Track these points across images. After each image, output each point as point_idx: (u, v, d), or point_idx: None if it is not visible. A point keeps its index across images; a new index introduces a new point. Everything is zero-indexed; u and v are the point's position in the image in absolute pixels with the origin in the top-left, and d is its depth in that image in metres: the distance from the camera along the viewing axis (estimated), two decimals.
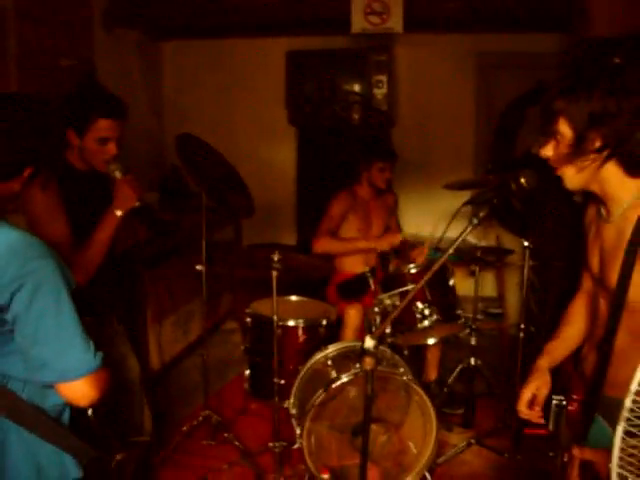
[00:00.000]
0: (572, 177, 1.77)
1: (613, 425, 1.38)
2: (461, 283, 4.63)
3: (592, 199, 1.90)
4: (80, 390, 1.68)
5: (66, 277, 1.66)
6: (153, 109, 6.12)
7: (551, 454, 3.33)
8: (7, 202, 1.75)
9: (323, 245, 4.12)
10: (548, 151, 1.79)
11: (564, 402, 1.96)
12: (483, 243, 5.24)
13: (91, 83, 3.45)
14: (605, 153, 1.68)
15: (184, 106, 6.32)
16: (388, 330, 3.49)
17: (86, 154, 2.67)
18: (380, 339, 2.34)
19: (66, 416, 1.80)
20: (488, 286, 5.77)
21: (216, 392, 4.35)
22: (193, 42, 6.29)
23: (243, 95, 6.29)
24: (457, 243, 1.99)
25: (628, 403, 1.31)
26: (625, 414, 1.32)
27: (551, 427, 1.99)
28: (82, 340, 1.66)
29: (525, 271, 3.69)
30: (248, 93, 6.28)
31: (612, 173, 1.72)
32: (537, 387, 2.07)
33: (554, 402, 1.98)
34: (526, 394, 2.07)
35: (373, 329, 3.60)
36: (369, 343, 2.14)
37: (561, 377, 2.15)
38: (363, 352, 2.17)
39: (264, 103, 6.23)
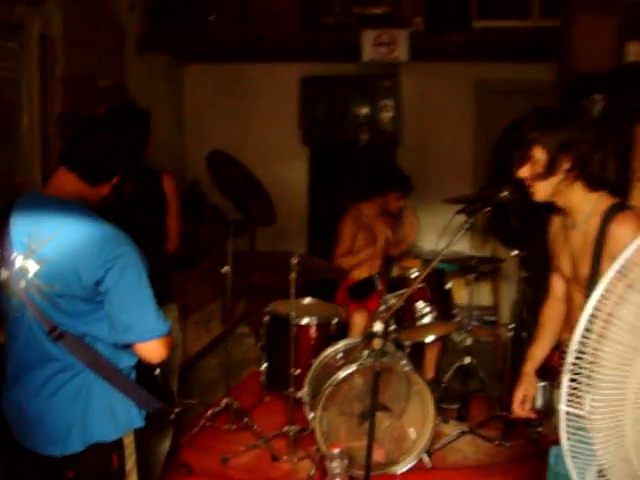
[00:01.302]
0: (542, 193, 2.21)
1: None
2: (458, 292, 5.00)
3: (556, 211, 2.33)
4: (155, 349, 2.09)
5: (144, 261, 2.10)
6: (176, 127, 6.50)
7: (539, 429, 3.78)
8: (96, 202, 2.19)
9: (344, 263, 4.57)
10: (524, 172, 2.22)
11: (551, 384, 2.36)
12: (479, 254, 5.63)
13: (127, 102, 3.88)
14: (573, 173, 2.14)
15: (204, 125, 6.58)
16: (392, 327, 3.90)
17: None
18: (385, 335, 2.77)
19: (133, 375, 2.20)
20: (484, 296, 6.07)
21: (234, 387, 4.61)
22: (214, 66, 6.58)
23: (259, 116, 6.53)
24: (449, 246, 2.43)
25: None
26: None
27: (538, 405, 2.41)
28: (156, 310, 2.08)
29: (517, 278, 4.11)
30: (264, 114, 6.52)
31: (576, 188, 2.17)
32: (525, 389, 2.49)
33: (539, 384, 2.40)
34: (517, 396, 2.49)
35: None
36: (378, 327, 2.58)
37: (548, 369, 2.54)
38: (372, 334, 2.60)
39: (279, 124, 6.47)
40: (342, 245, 4.68)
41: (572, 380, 1.30)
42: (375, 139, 6.08)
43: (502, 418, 4.12)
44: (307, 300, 4.52)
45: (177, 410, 2.39)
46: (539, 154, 2.15)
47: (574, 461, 1.34)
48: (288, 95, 6.38)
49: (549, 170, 2.14)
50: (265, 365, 4.29)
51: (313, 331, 4.18)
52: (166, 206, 3.52)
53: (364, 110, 6.18)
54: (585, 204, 2.17)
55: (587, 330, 1.27)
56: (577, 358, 1.28)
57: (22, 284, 2.06)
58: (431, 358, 4.56)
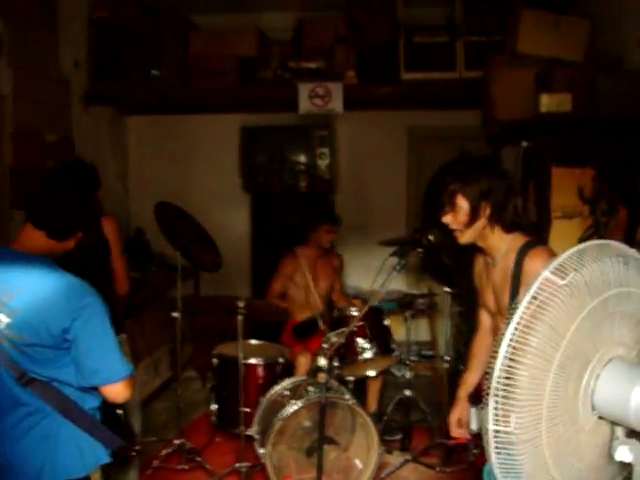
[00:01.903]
0: (466, 236, 2.48)
1: None
2: (397, 329, 5.22)
3: (478, 251, 2.61)
4: (120, 390, 2.26)
5: (106, 308, 2.28)
6: (119, 176, 6.59)
7: (475, 452, 4.01)
8: (61, 254, 2.37)
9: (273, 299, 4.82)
10: (448, 219, 2.48)
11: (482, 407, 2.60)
12: (415, 292, 5.89)
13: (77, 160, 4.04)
14: (493, 218, 2.42)
15: (147, 174, 6.70)
16: (335, 364, 4.11)
17: None
18: (329, 369, 2.99)
19: (98, 416, 2.36)
20: (422, 331, 6.29)
21: (185, 428, 4.68)
22: (156, 117, 6.72)
23: (201, 165, 6.67)
24: (383, 285, 2.67)
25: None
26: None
27: (473, 427, 2.64)
28: (119, 354, 2.27)
29: (449, 312, 4.38)
30: (206, 163, 6.66)
31: (493, 231, 2.45)
32: (459, 412, 2.73)
33: (472, 409, 2.64)
34: (453, 418, 2.74)
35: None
36: (322, 362, 2.80)
37: (480, 394, 2.79)
38: (317, 369, 2.83)
39: (221, 172, 6.62)
40: (277, 281, 4.92)
41: (497, 402, 1.41)
42: (313, 185, 6.29)
43: (443, 446, 4.38)
44: (253, 342, 4.70)
45: (138, 448, 2.55)
46: (462, 202, 2.42)
47: (504, 475, 1.44)
48: (229, 144, 6.55)
49: (473, 216, 2.41)
50: (215, 405, 4.45)
51: (260, 370, 4.38)
52: (108, 248, 3.63)
53: (302, 158, 6.37)
54: (502, 244, 2.44)
55: (506, 357, 1.40)
56: (499, 382, 1.40)
57: None
58: (373, 392, 4.74)
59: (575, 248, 1.44)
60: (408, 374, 4.68)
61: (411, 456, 4.41)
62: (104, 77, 5.80)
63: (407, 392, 4.68)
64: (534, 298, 1.38)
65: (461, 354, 5.03)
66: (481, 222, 2.41)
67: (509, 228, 2.44)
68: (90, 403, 2.32)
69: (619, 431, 1.43)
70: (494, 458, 1.40)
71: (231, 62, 5.74)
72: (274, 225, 6.38)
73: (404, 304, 4.94)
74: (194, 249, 4.26)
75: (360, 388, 4.64)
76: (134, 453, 2.50)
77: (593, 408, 1.41)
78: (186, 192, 6.30)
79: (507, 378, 1.36)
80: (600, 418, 1.44)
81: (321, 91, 5.60)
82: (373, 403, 4.77)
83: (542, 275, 1.39)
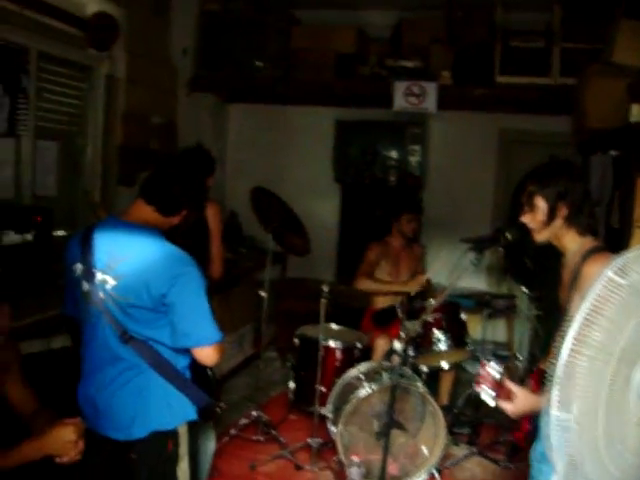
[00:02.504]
0: (542, 235, 2.61)
1: None
2: (474, 327, 5.28)
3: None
4: (210, 354, 2.49)
5: (203, 280, 2.52)
6: (218, 161, 6.93)
7: None
8: (166, 229, 2.62)
9: (362, 284, 4.91)
10: (527, 219, 2.61)
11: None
12: (494, 291, 5.97)
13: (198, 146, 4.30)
14: (569, 219, 2.53)
15: (244, 161, 7.00)
16: (411, 352, 4.25)
17: None
18: (404, 361, 3.14)
19: (188, 375, 2.59)
20: (499, 332, 6.40)
21: (262, 404, 4.91)
22: (256, 106, 7.02)
23: (296, 154, 6.91)
24: (459, 277, 2.80)
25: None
26: None
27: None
28: (212, 321, 2.49)
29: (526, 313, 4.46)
30: (301, 153, 6.90)
31: (568, 233, 2.56)
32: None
33: None
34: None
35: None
36: (397, 345, 2.97)
37: None
38: (392, 352, 3.00)
39: (314, 162, 6.82)
40: (364, 266, 5.05)
41: (560, 390, 1.49)
42: (403, 180, 6.45)
43: (508, 442, 4.47)
44: (334, 326, 4.91)
45: (223, 405, 2.79)
46: (540, 203, 2.54)
47: (560, 457, 1.53)
48: (324, 136, 6.76)
49: (550, 216, 2.53)
50: (293, 384, 4.69)
51: (339, 353, 4.57)
52: (208, 232, 3.90)
53: (393, 153, 6.55)
54: (574, 245, 2.53)
55: (571, 348, 1.49)
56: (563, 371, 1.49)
57: (101, 295, 2.46)
58: (445, 385, 4.85)
59: (636, 252, 1.55)
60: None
61: (477, 450, 4.52)
62: (210, 65, 6.11)
63: None
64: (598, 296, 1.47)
65: (535, 357, 5.07)
66: (558, 222, 2.51)
67: (583, 231, 2.54)
68: (182, 362, 2.56)
69: None
70: (554, 442, 1.49)
71: (330, 57, 5.94)
72: (362, 216, 6.56)
73: (482, 302, 5.03)
74: (285, 233, 4.48)
75: (433, 380, 4.74)
76: (219, 411, 2.72)
77: None
78: (280, 179, 6.52)
79: (570, 368, 1.45)
80: None
81: (416, 90, 5.72)
82: (445, 396, 4.86)
83: (605, 274, 1.48)
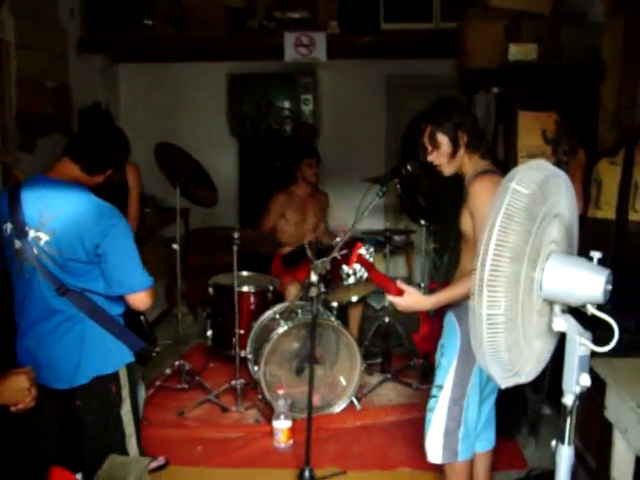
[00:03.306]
0: (449, 168, 2.81)
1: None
2: (378, 265, 5.50)
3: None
4: (142, 299, 2.64)
5: (131, 230, 2.66)
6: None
7: None
8: (91, 187, 2.72)
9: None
10: (433, 157, 2.79)
11: None
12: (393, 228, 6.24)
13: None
14: (471, 144, 2.76)
15: (138, 120, 6.89)
16: (322, 289, 4.45)
17: None
18: (320, 292, 3.33)
19: (122, 322, 2.74)
20: (400, 268, 6.76)
21: (183, 354, 5.01)
22: (147, 65, 6.95)
23: (191, 110, 6.94)
24: (367, 210, 3.02)
25: None
26: None
27: None
28: (142, 268, 2.64)
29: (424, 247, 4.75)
30: (195, 109, 6.94)
31: (471, 159, 2.78)
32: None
33: None
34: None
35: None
36: (313, 277, 3.18)
37: None
38: (309, 284, 3.21)
39: (209, 117, 6.91)
40: (269, 218, 5.23)
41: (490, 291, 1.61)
42: (297, 130, 6.63)
43: (418, 366, 4.82)
44: (245, 273, 5.08)
45: (157, 349, 2.94)
46: (442, 138, 2.75)
47: (492, 353, 1.67)
48: (217, 91, 6.83)
49: (455, 148, 2.74)
50: (210, 331, 4.85)
51: (253, 298, 4.76)
52: (127, 193, 3.98)
53: (287, 104, 6.74)
54: (475, 168, 2.75)
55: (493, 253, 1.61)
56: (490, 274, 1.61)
57: (34, 251, 2.54)
58: (355, 318, 5.11)
59: (523, 165, 1.78)
60: (387, 303, 5.03)
61: (390, 376, 4.83)
62: (98, 26, 6.05)
63: (386, 319, 5.07)
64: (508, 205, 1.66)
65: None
66: (461, 151, 2.74)
67: (484, 154, 2.78)
68: (116, 310, 2.70)
69: (556, 308, 1.81)
70: (486, 338, 1.65)
71: (221, 13, 6.01)
72: (261, 167, 6.72)
73: (383, 240, 5.29)
74: (192, 187, 4.59)
75: (342, 315, 4.97)
76: (154, 354, 2.86)
77: (541, 290, 1.77)
78: (176, 137, 6.31)
79: (495, 271, 1.61)
80: (544, 300, 1.80)
81: (305, 40, 5.88)
82: (354, 329, 5.09)
83: (511, 187, 1.67)
